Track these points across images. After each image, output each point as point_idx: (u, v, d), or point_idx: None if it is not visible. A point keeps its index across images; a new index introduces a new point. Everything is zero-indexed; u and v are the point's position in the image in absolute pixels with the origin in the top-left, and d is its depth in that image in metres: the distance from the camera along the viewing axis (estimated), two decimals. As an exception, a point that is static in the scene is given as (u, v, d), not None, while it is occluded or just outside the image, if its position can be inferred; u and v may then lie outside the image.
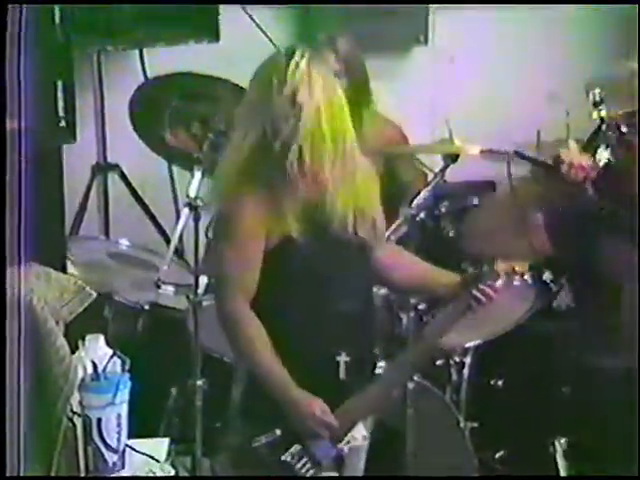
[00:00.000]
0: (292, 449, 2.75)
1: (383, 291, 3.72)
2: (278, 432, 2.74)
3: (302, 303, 2.79)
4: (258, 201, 2.75)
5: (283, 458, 2.73)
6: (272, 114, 2.74)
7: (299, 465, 2.76)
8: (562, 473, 3.87)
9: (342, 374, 2.82)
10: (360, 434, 2.78)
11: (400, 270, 3.04)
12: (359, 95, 3.79)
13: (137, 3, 4.17)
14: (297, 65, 2.77)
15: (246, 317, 2.80)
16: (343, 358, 2.80)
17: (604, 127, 3.88)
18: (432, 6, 4.74)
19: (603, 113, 3.88)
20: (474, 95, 4.61)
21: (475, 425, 3.79)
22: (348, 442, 2.75)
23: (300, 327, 2.79)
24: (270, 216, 2.74)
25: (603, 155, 3.86)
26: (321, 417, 2.77)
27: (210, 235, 2.99)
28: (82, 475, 2.36)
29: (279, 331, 2.77)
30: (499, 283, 2.94)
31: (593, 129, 3.91)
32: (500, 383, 4.00)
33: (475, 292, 2.94)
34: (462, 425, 3.73)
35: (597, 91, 3.87)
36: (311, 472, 2.76)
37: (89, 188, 4.46)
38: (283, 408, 2.78)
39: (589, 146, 3.92)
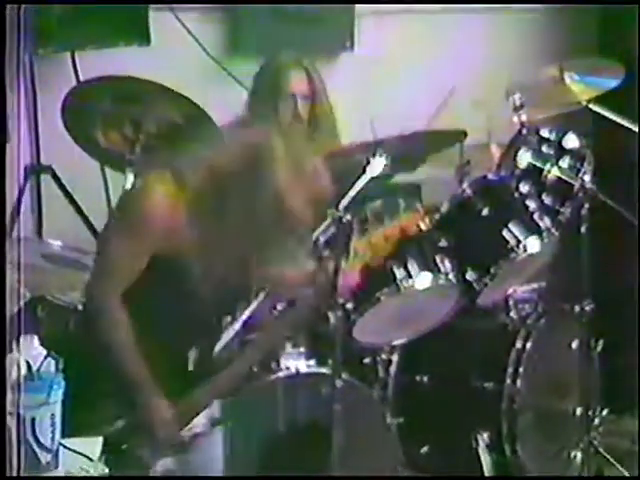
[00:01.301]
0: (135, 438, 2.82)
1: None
2: (121, 423, 2.82)
3: (160, 300, 2.86)
4: None
5: (124, 447, 2.80)
6: None
7: (141, 452, 2.83)
8: (485, 467, 3.96)
9: (190, 367, 2.88)
10: (201, 421, 2.84)
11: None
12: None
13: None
14: None
15: (115, 306, 2.87)
16: (192, 354, 2.86)
17: (524, 131, 3.99)
18: (358, 12, 4.81)
19: (523, 117, 3.98)
20: (399, 100, 4.68)
21: (401, 421, 3.87)
22: (190, 429, 2.81)
23: (156, 322, 2.85)
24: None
25: (524, 158, 3.98)
26: (163, 415, 2.86)
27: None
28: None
29: (138, 322, 2.84)
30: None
31: (514, 133, 4.02)
32: (425, 379, 4.09)
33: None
34: (389, 421, 3.81)
35: (517, 96, 3.97)
36: (154, 459, 2.83)
37: (22, 189, 4.47)
38: (132, 395, 2.86)
39: (510, 150, 4.03)
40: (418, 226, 3.10)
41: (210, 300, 2.91)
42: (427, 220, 3.82)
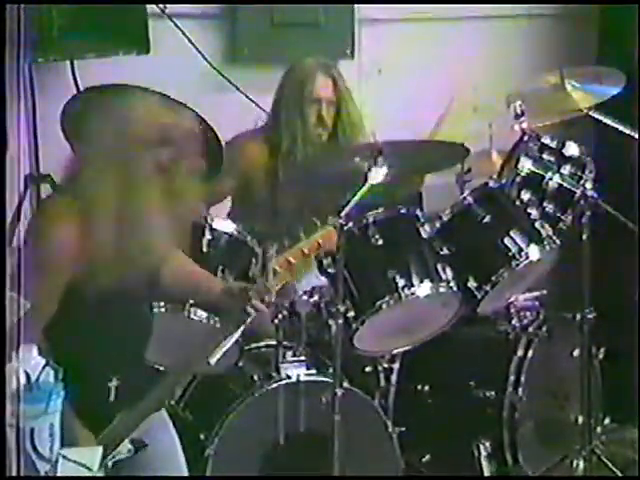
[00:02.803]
0: None
1: (314, 298, 3.80)
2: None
3: (82, 331, 2.78)
4: None
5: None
6: None
7: None
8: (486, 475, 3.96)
9: (112, 397, 2.84)
10: (125, 448, 2.81)
11: (172, 276, 3.05)
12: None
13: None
14: None
15: None
16: (114, 383, 2.82)
17: (525, 139, 3.98)
18: (358, 19, 4.81)
19: (524, 125, 3.98)
20: (400, 108, 4.68)
21: (402, 429, 3.86)
22: (113, 457, 2.78)
23: (78, 353, 2.76)
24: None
25: (525, 166, 3.97)
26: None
27: None
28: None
29: (66, 352, 2.71)
30: (270, 297, 2.97)
31: (515, 141, 4.02)
32: (427, 388, 4.08)
33: (248, 308, 2.96)
34: (390, 430, 3.80)
35: (518, 104, 3.96)
36: None
37: (22, 199, 4.46)
38: None
39: (511, 157, 4.03)
40: (335, 241, 3.08)
41: (128, 323, 2.87)
42: (428, 228, 3.82)
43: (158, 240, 2.74)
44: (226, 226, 3.73)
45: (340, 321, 3.53)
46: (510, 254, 3.81)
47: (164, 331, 3.28)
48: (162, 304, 3.44)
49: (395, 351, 3.98)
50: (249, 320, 2.98)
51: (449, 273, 3.78)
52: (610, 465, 4.05)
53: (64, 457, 2.45)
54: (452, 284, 3.78)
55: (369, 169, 3.53)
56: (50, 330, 2.74)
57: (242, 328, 3.08)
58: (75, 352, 2.73)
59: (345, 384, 3.60)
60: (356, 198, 3.59)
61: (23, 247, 2.73)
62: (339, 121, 4.15)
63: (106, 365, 2.82)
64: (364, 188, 3.59)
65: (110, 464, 2.78)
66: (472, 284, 3.83)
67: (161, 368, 3.36)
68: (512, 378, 3.97)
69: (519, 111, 3.96)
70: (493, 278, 3.81)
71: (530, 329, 4.08)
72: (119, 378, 2.83)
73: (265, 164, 4.16)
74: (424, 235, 3.82)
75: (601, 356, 4.15)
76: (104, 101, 2.83)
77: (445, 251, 3.82)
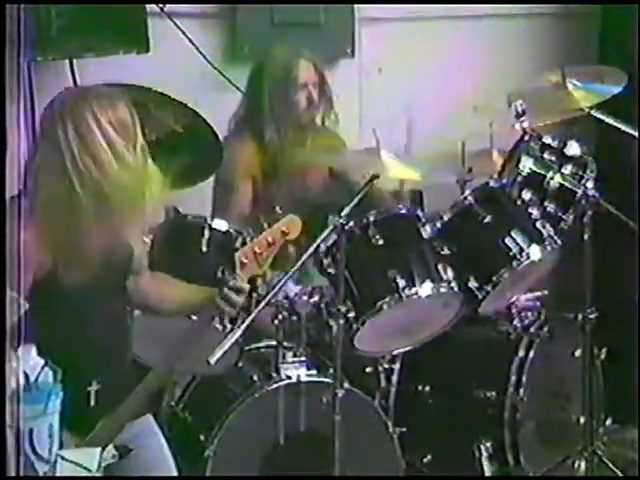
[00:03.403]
0: None
1: (314, 299, 3.79)
2: None
3: (60, 333, 2.74)
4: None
5: None
6: None
7: None
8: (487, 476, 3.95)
9: (92, 402, 2.80)
10: (110, 454, 2.79)
11: (157, 295, 3.04)
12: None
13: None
14: None
15: None
16: (94, 387, 2.80)
17: (526, 138, 3.97)
18: (358, 18, 4.80)
19: (525, 124, 3.96)
20: (401, 106, 4.68)
21: (403, 430, 3.85)
22: (99, 464, 2.75)
23: (58, 356, 2.67)
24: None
25: (526, 165, 3.96)
26: None
27: None
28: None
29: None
30: (243, 287, 2.95)
31: (516, 140, 4.00)
32: (428, 389, 4.07)
33: (219, 301, 2.94)
34: (390, 430, 3.79)
35: (519, 103, 3.95)
36: None
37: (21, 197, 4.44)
38: None
39: (512, 157, 4.01)
40: (301, 231, 3.07)
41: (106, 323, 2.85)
42: (428, 228, 3.81)
43: (97, 240, 2.72)
44: (224, 225, 3.72)
45: (341, 321, 3.53)
46: (511, 254, 3.80)
47: (151, 329, 3.27)
48: None
49: (396, 351, 3.97)
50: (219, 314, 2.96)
51: (450, 273, 3.77)
52: (611, 466, 4.04)
53: (63, 458, 2.44)
54: (453, 284, 3.77)
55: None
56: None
57: (242, 328, 3.06)
58: (51, 356, 2.63)
59: (346, 384, 3.59)
60: (357, 198, 3.60)
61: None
62: (325, 103, 4.16)
63: (84, 369, 2.77)
64: (365, 188, 3.60)
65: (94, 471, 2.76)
66: (473, 284, 3.82)
67: (151, 365, 3.33)
68: (513, 378, 3.96)
69: (520, 110, 3.94)
70: (494, 278, 3.80)
71: (531, 329, 4.07)
72: (99, 382, 2.81)
73: (254, 157, 4.16)
74: (425, 235, 3.81)
75: (602, 356, 4.14)
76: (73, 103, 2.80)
77: (446, 251, 3.81)
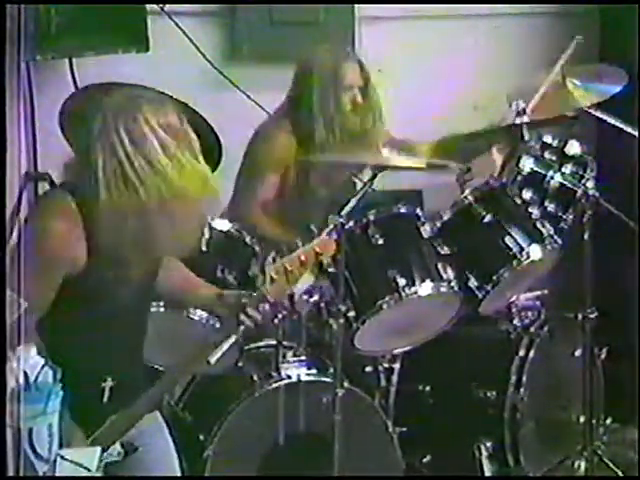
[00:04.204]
0: None
1: (314, 298, 3.79)
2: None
3: (76, 329, 2.74)
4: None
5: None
6: None
7: None
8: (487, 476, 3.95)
9: (106, 398, 2.79)
10: (116, 451, 2.79)
11: (167, 281, 3.02)
12: None
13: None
14: None
15: None
16: (108, 384, 2.79)
17: (526, 137, 3.96)
18: (358, 17, 4.80)
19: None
20: (401, 105, 4.66)
21: (403, 430, 3.85)
22: (103, 459, 2.75)
23: (73, 351, 2.72)
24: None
25: (526, 165, 3.95)
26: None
27: None
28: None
29: (59, 351, 2.67)
30: (266, 305, 2.94)
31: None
32: (428, 388, 4.07)
33: (242, 317, 2.94)
34: (390, 430, 3.79)
35: (519, 102, 3.95)
36: None
37: (20, 197, 4.45)
38: None
39: (512, 156, 4.01)
40: (334, 249, 3.07)
41: (126, 322, 2.85)
42: (428, 227, 3.81)
43: (160, 240, 2.72)
44: (225, 225, 3.72)
45: (341, 321, 3.53)
46: (511, 253, 3.80)
47: (163, 330, 3.27)
48: (161, 303, 3.42)
49: (396, 351, 3.97)
50: (242, 328, 2.96)
51: (450, 273, 3.76)
52: (612, 466, 4.04)
53: (62, 457, 2.43)
54: (453, 284, 3.76)
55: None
56: (43, 327, 2.70)
57: (242, 328, 3.06)
58: (68, 350, 2.68)
59: (346, 384, 3.59)
60: (357, 197, 3.59)
61: (18, 244, 2.72)
62: (369, 108, 4.13)
63: (100, 365, 2.78)
64: (365, 188, 3.60)
65: (101, 466, 2.76)
66: (473, 284, 3.81)
67: (160, 368, 3.35)
68: (513, 378, 3.96)
69: (520, 109, 3.94)
70: (494, 277, 3.79)
71: (532, 329, 4.07)
72: (113, 378, 2.81)
73: (295, 155, 4.12)
74: (425, 235, 3.81)
75: (603, 356, 4.14)
76: (100, 99, 2.80)
77: (446, 250, 3.81)
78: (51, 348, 2.63)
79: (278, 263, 2.97)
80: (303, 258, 2.95)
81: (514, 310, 4.12)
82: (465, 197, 3.89)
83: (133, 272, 2.74)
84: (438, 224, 3.84)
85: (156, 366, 3.37)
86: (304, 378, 3.68)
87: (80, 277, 2.70)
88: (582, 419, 3.99)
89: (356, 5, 4.81)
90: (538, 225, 3.88)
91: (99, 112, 2.72)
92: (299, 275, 2.95)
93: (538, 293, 4.17)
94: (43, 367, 2.40)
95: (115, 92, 2.79)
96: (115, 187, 2.65)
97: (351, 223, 3.60)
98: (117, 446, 2.76)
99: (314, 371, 3.72)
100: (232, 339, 3.01)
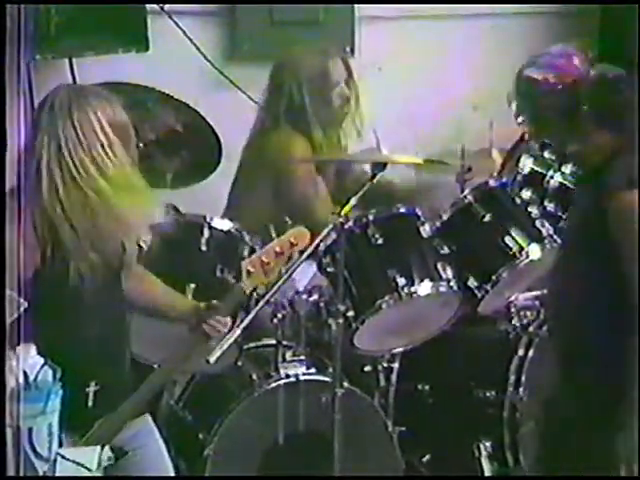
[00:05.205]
0: None
1: (313, 297, 3.79)
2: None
3: (57, 332, 2.73)
4: None
5: None
6: None
7: None
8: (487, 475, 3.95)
9: (90, 403, 2.79)
10: (106, 455, 2.78)
11: (136, 292, 3.03)
12: None
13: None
14: None
15: None
16: (92, 388, 2.78)
17: (526, 137, 3.97)
18: (358, 17, 4.81)
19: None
20: (401, 105, 4.68)
21: (403, 429, 3.85)
22: (99, 464, 2.74)
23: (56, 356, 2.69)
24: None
25: (526, 164, 3.96)
26: None
27: None
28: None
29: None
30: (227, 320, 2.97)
31: (516, 139, 4.00)
32: (427, 388, 4.07)
33: (205, 327, 2.96)
34: (390, 429, 3.79)
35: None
36: None
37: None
38: None
39: (512, 156, 4.01)
40: (309, 240, 3.06)
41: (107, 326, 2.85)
42: (428, 227, 3.81)
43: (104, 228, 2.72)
44: (224, 224, 3.72)
45: (340, 320, 3.53)
46: (511, 253, 3.80)
47: (152, 328, 3.27)
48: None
49: (395, 350, 3.97)
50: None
51: (449, 272, 3.77)
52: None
53: (62, 457, 2.44)
54: (452, 283, 3.77)
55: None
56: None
57: (241, 327, 3.06)
58: (50, 353, 2.61)
59: (345, 384, 3.59)
60: (357, 197, 3.59)
61: None
62: (354, 101, 4.13)
63: (82, 369, 2.75)
64: (365, 187, 3.60)
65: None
66: (472, 283, 3.82)
67: (154, 366, 3.34)
68: (513, 378, 3.95)
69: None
70: (493, 277, 3.80)
71: (531, 329, 4.05)
72: (97, 382, 2.80)
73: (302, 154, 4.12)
74: (424, 234, 3.81)
75: (602, 355, 4.13)
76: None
77: (445, 250, 3.81)
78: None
79: (254, 257, 2.98)
80: (278, 249, 2.95)
81: (513, 310, 4.11)
82: (465, 197, 3.89)
83: (93, 267, 2.73)
84: (438, 224, 3.84)
85: (148, 364, 3.37)
86: (303, 377, 3.68)
87: (45, 277, 2.69)
88: (581, 419, 3.98)
89: (356, 5, 4.83)
90: (537, 225, 3.88)
91: (47, 104, 2.73)
92: (275, 267, 2.96)
93: (537, 293, 4.17)
94: (43, 366, 2.40)
95: (61, 89, 2.81)
96: (62, 182, 2.66)
97: (350, 223, 3.59)
98: (107, 450, 2.76)
99: (313, 370, 3.72)
100: (232, 338, 3.02)
